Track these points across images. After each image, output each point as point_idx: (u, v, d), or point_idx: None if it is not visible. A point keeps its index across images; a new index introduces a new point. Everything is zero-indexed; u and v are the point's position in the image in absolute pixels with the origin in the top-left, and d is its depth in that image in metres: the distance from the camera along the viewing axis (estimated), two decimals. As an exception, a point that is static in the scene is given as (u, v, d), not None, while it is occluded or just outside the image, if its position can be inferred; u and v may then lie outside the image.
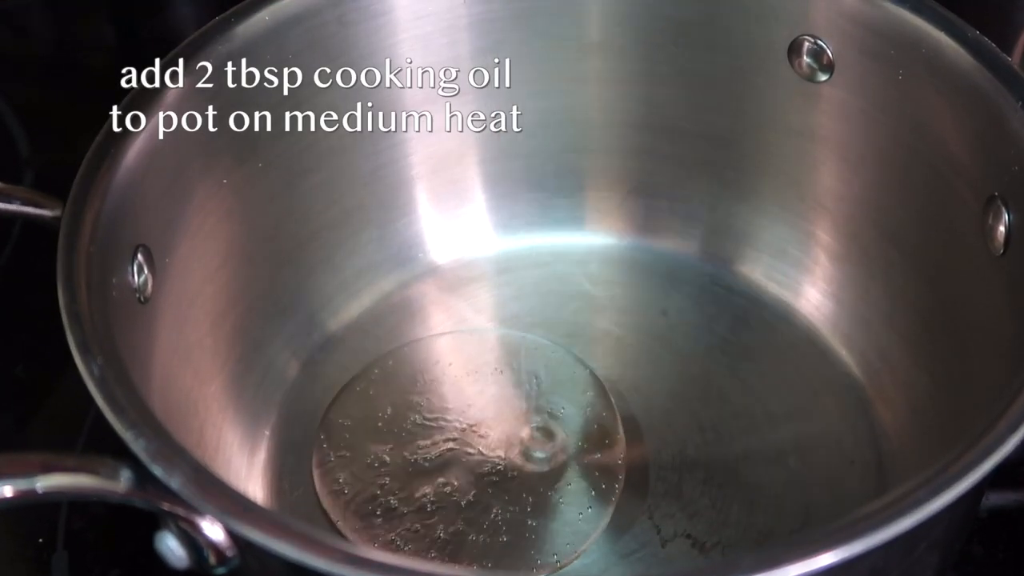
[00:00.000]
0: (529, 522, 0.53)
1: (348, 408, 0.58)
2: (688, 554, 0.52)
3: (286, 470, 0.56)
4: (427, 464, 0.56)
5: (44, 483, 0.37)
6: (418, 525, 0.53)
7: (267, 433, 0.57)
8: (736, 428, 0.57)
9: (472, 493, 0.55)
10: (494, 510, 0.54)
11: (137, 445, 0.38)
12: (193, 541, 0.39)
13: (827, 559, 0.35)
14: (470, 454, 0.56)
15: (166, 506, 0.38)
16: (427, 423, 0.57)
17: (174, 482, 0.37)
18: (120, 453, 0.39)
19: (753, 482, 0.55)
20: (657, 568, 0.52)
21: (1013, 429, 0.39)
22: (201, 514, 0.38)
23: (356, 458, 0.56)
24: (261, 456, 0.57)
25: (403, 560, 0.36)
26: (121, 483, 0.38)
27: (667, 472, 0.55)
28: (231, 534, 0.38)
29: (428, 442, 0.57)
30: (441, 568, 0.37)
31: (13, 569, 0.54)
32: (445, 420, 0.58)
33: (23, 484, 0.37)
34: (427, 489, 0.55)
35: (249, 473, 0.55)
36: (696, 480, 0.55)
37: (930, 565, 0.44)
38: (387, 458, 0.56)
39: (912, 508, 0.36)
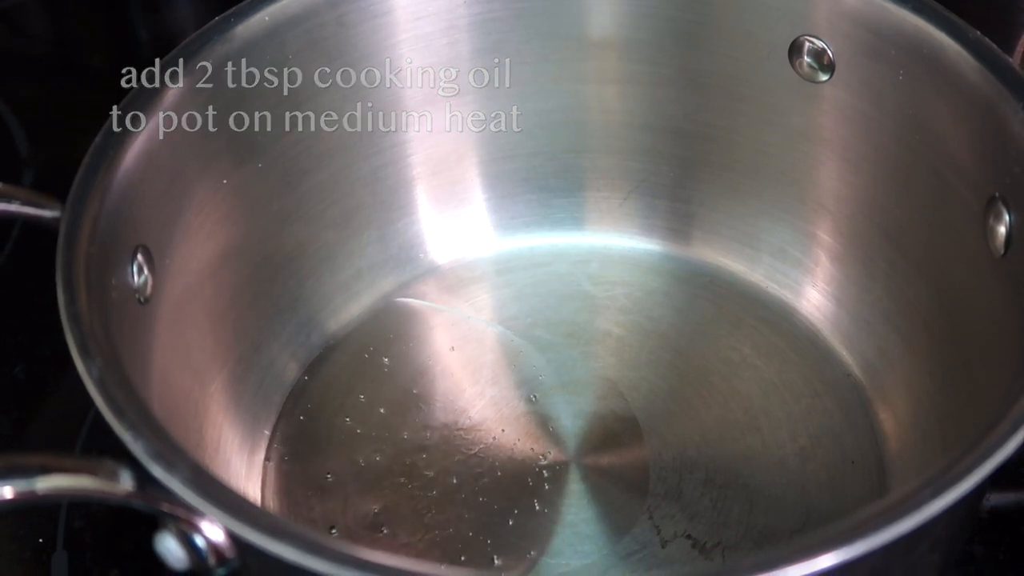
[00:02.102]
0: (528, 523, 0.53)
1: (347, 408, 0.58)
2: (688, 555, 0.52)
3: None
4: (424, 465, 0.56)
5: (43, 484, 0.37)
6: (415, 526, 0.53)
7: (267, 433, 0.57)
8: (736, 429, 0.57)
9: (470, 494, 0.55)
10: (492, 511, 0.54)
11: (136, 446, 0.38)
12: (192, 542, 0.38)
13: (828, 560, 0.35)
14: (468, 456, 0.56)
15: (166, 507, 0.38)
16: (425, 424, 0.57)
17: (174, 483, 0.37)
18: (120, 454, 0.39)
19: (753, 483, 0.55)
20: (657, 569, 0.52)
21: (1015, 430, 0.39)
22: (201, 515, 0.38)
23: (352, 459, 0.56)
24: (261, 456, 0.56)
25: (403, 561, 0.36)
26: (120, 484, 0.38)
27: (667, 473, 0.55)
28: (231, 535, 0.38)
29: (425, 443, 0.57)
30: (442, 569, 0.37)
31: (12, 569, 0.54)
32: (444, 421, 0.58)
33: (22, 485, 0.37)
34: (424, 490, 0.55)
35: (249, 473, 0.55)
36: (696, 481, 0.55)
37: (931, 565, 0.44)
38: (382, 458, 0.56)
39: (914, 509, 0.36)
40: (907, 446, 0.55)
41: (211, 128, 0.53)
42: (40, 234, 0.46)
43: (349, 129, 0.59)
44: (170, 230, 0.51)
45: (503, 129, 0.63)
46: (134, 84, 0.51)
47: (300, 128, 0.58)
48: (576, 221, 0.65)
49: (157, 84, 0.51)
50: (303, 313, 0.60)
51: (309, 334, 0.61)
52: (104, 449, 0.39)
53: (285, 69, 0.56)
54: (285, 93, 0.56)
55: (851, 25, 0.54)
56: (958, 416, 0.51)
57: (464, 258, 0.64)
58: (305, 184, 0.59)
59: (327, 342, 0.61)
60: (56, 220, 0.46)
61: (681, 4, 0.59)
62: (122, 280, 0.46)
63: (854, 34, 0.54)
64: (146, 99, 0.50)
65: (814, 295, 0.61)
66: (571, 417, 0.58)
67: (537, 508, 0.54)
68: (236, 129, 0.55)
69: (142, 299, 0.48)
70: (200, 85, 0.52)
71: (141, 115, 0.49)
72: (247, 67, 0.54)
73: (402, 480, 0.55)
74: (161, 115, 0.50)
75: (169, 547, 0.39)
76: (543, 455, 0.56)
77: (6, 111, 0.75)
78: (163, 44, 0.54)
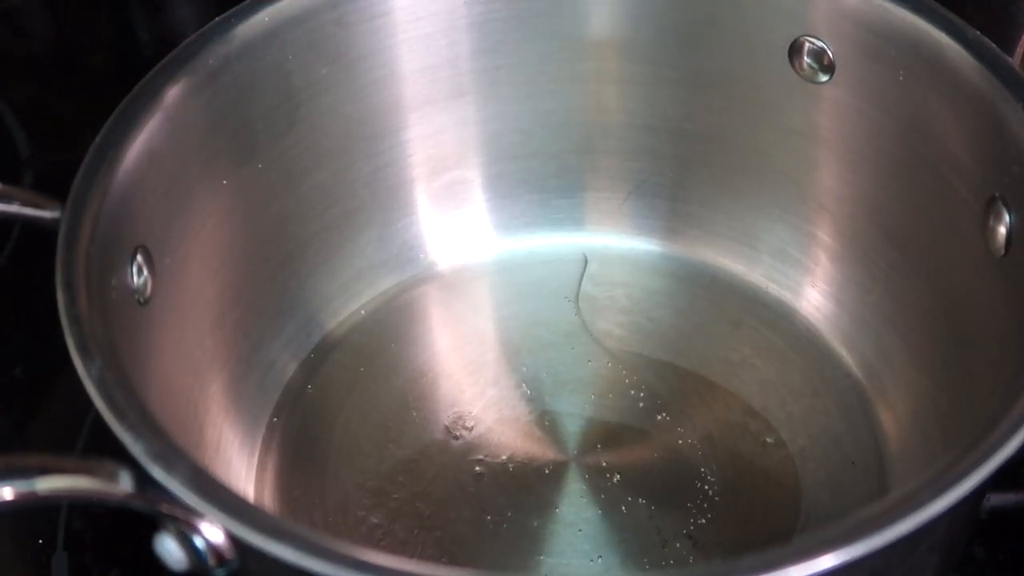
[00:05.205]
0: (528, 523, 0.53)
1: (346, 408, 0.58)
2: (688, 554, 0.52)
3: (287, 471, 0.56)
4: (424, 465, 0.56)
5: (43, 485, 0.37)
6: (416, 527, 0.53)
7: (267, 434, 0.57)
8: (736, 429, 0.57)
9: (470, 494, 0.55)
10: (493, 510, 0.54)
11: (136, 447, 0.38)
12: (192, 543, 0.38)
13: (828, 561, 0.35)
14: (468, 456, 0.56)
15: (165, 508, 0.38)
16: (425, 424, 0.57)
17: (173, 484, 0.37)
18: (120, 455, 0.39)
19: (753, 483, 0.55)
20: (657, 569, 0.52)
21: (1015, 430, 0.39)
22: (200, 516, 0.38)
23: (353, 460, 0.56)
24: (261, 457, 0.56)
25: (405, 563, 0.36)
26: (120, 485, 0.38)
27: (667, 472, 0.55)
28: (230, 536, 0.38)
29: (426, 443, 0.57)
30: (443, 570, 0.37)
31: (13, 570, 0.54)
32: (444, 421, 0.58)
33: (22, 486, 0.37)
34: (425, 490, 0.55)
35: (248, 474, 0.55)
36: (696, 480, 0.55)
37: (931, 566, 0.44)
38: (383, 459, 0.56)
39: (913, 510, 0.36)
40: (907, 446, 0.55)
41: (211, 129, 0.53)
42: (40, 235, 0.46)
43: (349, 130, 0.59)
44: (170, 231, 0.51)
45: (503, 129, 0.63)
46: (134, 84, 0.51)
47: (300, 128, 0.58)
48: (576, 221, 0.65)
49: (157, 85, 0.51)
50: (303, 313, 0.61)
51: (309, 334, 0.61)
52: (105, 450, 0.39)
53: (285, 69, 0.56)
54: (285, 94, 0.56)
55: (851, 25, 0.54)
56: (959, 416, 0.51)
57: (464, 258, 0.64)
58: (305, 184, 0.59)
59: (327, 342, 0.61)
60: (56, 221, 0.46)
61: (681, 4, 0.59)
62: (122, 281, 0.46)
63: (854, 34, 0.54)
64: (146, 99, 0.50)
65: (814, 295, 0.61)
66: (571, 416, 0.58)
67: (537, 508, 0.54)
68: (236, 130, 0.55)
69: (142, 300, 0.48)
70: (200, 85, 0.52)
71: (141, 116, 0.49)
72: (247, 67, 0.54)
73: (402, 480, 0.55)
74: (161, 116, 0.50)
75: (169, 548, 0.39)
76: (543, 454, 0.56)
77: (6, 111, 0.75)
78: (163, 44, 0.54)
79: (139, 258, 0.48)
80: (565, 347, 0.61)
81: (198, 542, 0.38)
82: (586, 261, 0.64)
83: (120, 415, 0.39)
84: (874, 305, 0.58)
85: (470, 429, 0.57)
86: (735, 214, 0.63)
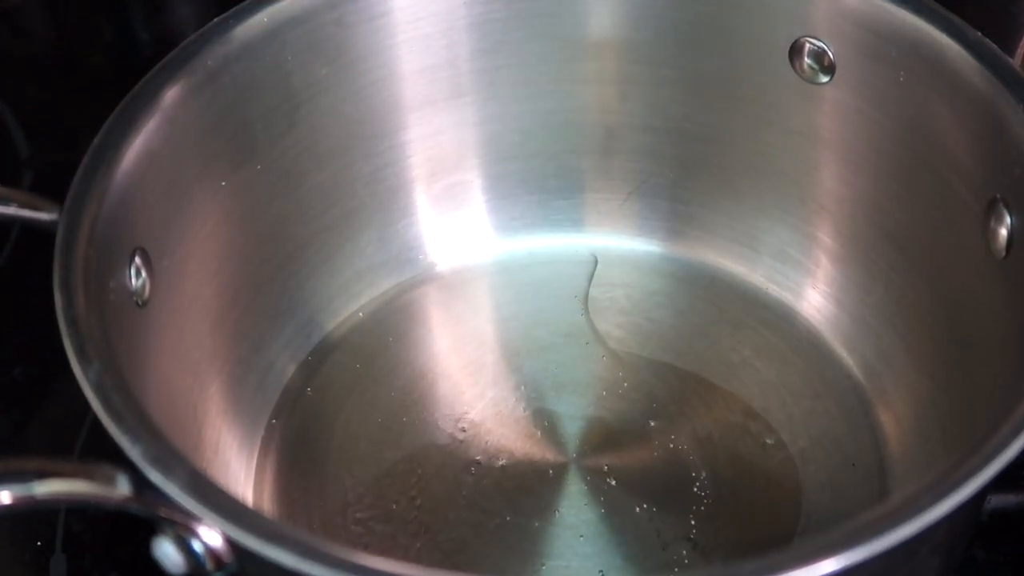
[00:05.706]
0: (528, 526, 0.53)
1: (345, 410, 0.58)
2: (688, 557, 0.52)
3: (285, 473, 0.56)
4: (424, 467, 0.56)
5: (41, 489, 0.37)
6: (415, 529, 0.53)
7: (266, 435, 0.57)
8: (736, 430, 0.57)
9: (470, 496, 0.54)
10: (493, 513, 0.54)
11: (134, 451, 0.38)
12: (190, 547, 0.38)
13: (828, 566, 0.35)
14: (468, 457, 0.56)
15: (163, 512, 0.38)
16: (425, 426, 0.57)
17: (171, 488, 0.37)
18: (119, 458, 0.38)
19: (754, 485, 0.55)
20: (657, 572, 0.52)
21: (1016, 433, 0.39)
22: (198, 520, 0.38)
23: (352, 462, 0.56)
24: (260, 458, 0.56)
25: (404, 566, 0.36)
26: (118, 489, 0.38)
27: (668, 474, 0.55)
28: (228, 540, 0.38)
29: (425, 445, 0.56)
30: (442, 574, 0.37)
31: (11, 572, 0.54)
32: (444, 423, 0.57)
33: (20, 490, 0.37)
34: (424, 492, 0.55)
35: (248, 476, 0.55)
36: (697, 483, 0.55)
37: (931, 569, 0.44)
38: (382, 460, 0.56)
39: (915, 514, 0.36)
40: (908, 448, 0.54)
41: (210, 129, 0.53)
42: (39, 236, 0.46)
43: (349, 130, 0.59)
44: (169, 232, 0.51)
45: (503, 130, 0.63)
46: (134, 84, 0.51)
47: (300, 129, 0.57)
48: (576, 222, 0.65)
49: (156, 85, 0.51)
50: (303, 314, 0.60)
51: (309, 335, 0.61)
52: (103, 452, 0.39)
53: (284, 70, 0.56)
54: (285, 94, 0.56)
55: (852, 26, 0.54)
56: (959, 418, 0.51)
57: (464, 259, 0.64)
58: (305, 185, 0.59)
59: (327, 343, 0.61)
60: (54, 223, 0.45)
61: (681, 5, 0.59)
62: (120, 283, 0.46)
63: (855, 35, 0.54)
64: (145, 100, 0.50)
65: (814, 296, 0.61)
66: (571, 418, 0.58)
67: (537, 510, 0.54)
68: (235, 131, 0.55)
69: (140, 302, 0.48)
70: (199, 86, 0.52)
71: (140, 117, 0.49)
72: (246, 68, 0.54)
73: (402, 482, 0.55)
74: (160, 117, 0.50)
75: (167, 552, 0.39)
76: (543, 456, 0.56)
77: (6, 111, 0.75)
78: (163, 45, 0.54)
79: (137, 260, 0.48)
80: (565, 348, 0.60)
81: (196, 546, 0.38)
82: (596, 261, 0.64)
83: (118, 418, 0.39)
84: (875, 306, 0.58)
85: (470, 431, 0.57)
86: (735, 215, 0.63)
